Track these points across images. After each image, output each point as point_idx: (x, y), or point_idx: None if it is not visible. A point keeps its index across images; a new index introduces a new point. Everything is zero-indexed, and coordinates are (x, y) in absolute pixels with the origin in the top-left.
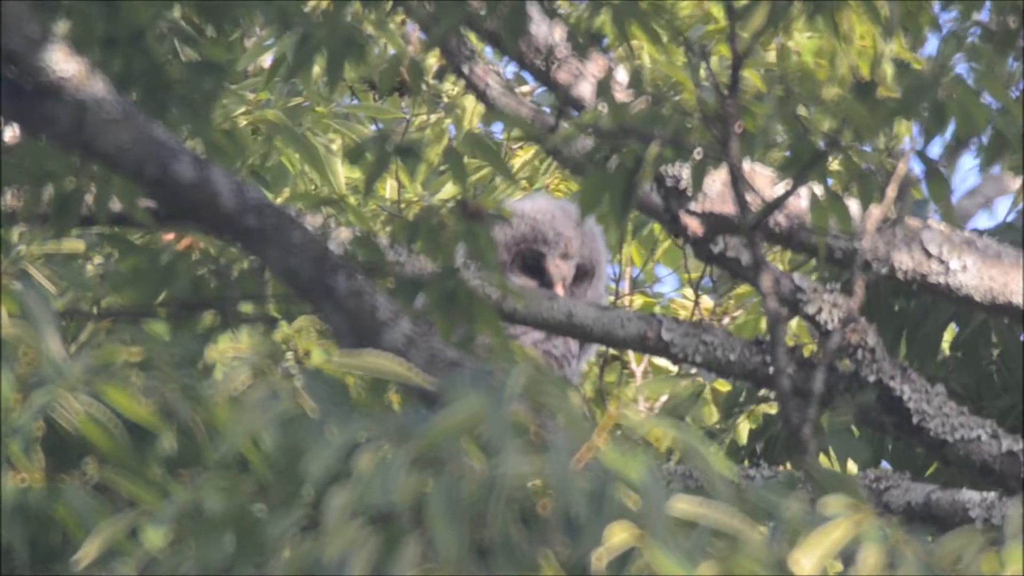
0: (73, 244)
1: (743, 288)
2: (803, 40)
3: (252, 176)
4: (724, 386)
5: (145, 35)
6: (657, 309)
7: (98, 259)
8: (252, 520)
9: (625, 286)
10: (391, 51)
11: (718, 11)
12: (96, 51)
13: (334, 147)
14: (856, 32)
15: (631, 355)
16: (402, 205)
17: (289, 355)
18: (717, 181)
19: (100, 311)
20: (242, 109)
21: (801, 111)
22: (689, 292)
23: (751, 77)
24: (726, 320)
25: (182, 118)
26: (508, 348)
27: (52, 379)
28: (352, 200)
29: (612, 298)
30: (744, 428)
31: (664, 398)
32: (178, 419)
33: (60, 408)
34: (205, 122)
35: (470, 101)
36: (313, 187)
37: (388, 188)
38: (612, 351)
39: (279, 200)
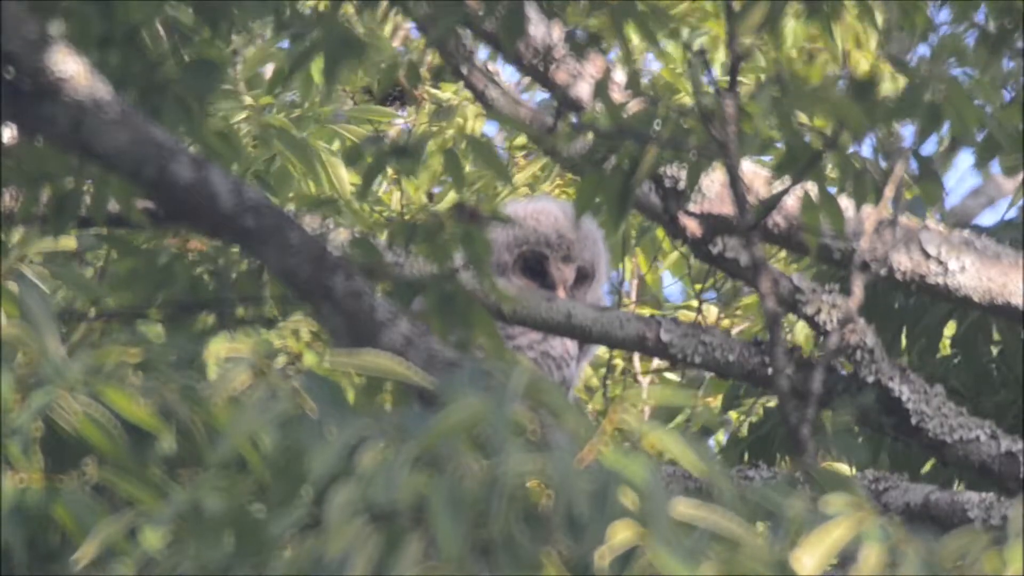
0: (66, 241)
1: (750, 299)
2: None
3: (256, 180)
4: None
5: (140, 34)
6: None
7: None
8: (251, 520)
9: (632, 294)
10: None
11: (712, 8)
12: (93, 51)
13: (334, 147)
14: (847, 31)
15: (636, 364)
16: (406, 216)
17: (282, 358)
18: (716, 182)
19: (97, 312)
20: (243, 115)
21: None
22: (695, 303)
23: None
24: (734, 333)
25: (176, 119)
26: (503, 353)
27: (51, 380)
28: (354, 205)
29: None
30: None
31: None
32: (177, 420)
33: (59, 408)
34: (199, 123)
35: (471, 110)
36: (318, 192)
37: (394, 200)
38: (615, 360)
39: (284, 205)
